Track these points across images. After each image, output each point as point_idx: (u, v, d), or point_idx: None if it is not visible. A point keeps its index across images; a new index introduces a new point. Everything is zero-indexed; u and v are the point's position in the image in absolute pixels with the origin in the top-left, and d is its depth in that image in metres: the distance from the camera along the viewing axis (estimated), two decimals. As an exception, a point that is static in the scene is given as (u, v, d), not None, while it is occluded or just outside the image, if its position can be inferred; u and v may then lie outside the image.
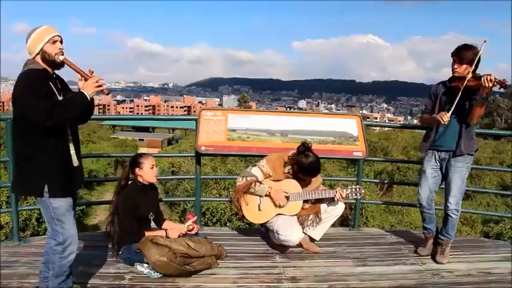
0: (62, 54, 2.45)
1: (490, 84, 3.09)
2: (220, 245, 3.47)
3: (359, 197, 3.64)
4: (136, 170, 3.21)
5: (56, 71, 2.51)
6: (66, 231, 2.48)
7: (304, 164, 3.43)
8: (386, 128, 27.00)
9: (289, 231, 3.43)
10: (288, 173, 3.59)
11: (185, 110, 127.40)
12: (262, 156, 3.76)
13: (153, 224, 3.43)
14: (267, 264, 3.42)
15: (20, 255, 3.41)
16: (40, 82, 2.36)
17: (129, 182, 3.28)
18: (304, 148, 3.44)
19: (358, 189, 3.59)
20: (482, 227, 12.58)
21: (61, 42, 2.46)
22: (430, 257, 3.64)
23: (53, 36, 2.43)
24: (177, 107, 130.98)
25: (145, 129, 49.47)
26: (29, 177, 2.43)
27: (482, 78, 3.10)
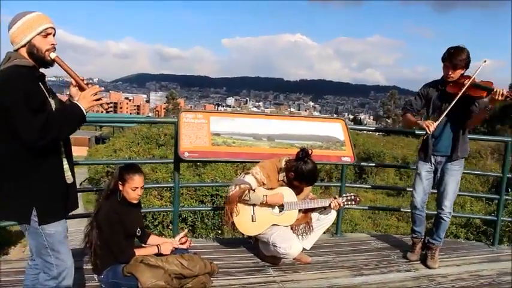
0: (54, 51, 2.03)
1: (501, 98, 3.09)
2: (211, 261, 3.18)
3: (354, 205, 3.53)
4: (119, 184, 2.81)
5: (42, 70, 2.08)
6: (61, 262, 2.07)
7: (303, 171, 3.24)
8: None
9: (289, 244, 3.22)
10: (282, 180, 3.39)
11: (111, 107, 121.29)
12: (251, 163, 3.53)
13: (136, 241, 3.06)
14: (264, 279, 3.19)
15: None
16: (32, 86, 1.93)
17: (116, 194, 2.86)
18: (304, 154, 3.26)
19: (353, 196, 3.47)
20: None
21: (53, 35, 2.03)
22: (419, 262, 3.64)
23: (47, 28, 1.99)
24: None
25: (70, 127, 46.46)
26: (11, 200, 1.98)
27: (496, 91, 3.08)
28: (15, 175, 1.95)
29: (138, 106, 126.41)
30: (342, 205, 3.43)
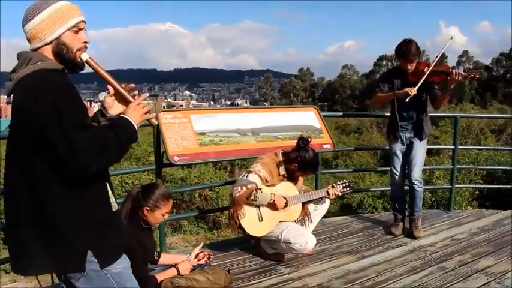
0: (85, 51, 1.62)
1: (460, 79, 3.35)
2: (228, 269, 2.97)
3: (349, 190, 3.58)
4: (146, 209, 2.44)
5: None
6: None
7: (307, 160, 3.20)
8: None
9: (304, 239, 3.16)
10: (283, 175, 3.30)
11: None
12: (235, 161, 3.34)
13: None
14: (281, 279, 3.09)
15: None
16: (73, 96, 1.52)
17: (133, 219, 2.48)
18: (305, 143, 3.20)
19: (348, 183, 3.53)
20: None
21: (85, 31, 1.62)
22: (403, 236, 3.88)
23: (79, 22, 1.57)
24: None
25: None
26: (54, 246, 1.51)
27: (453, 73, 3.35)
28: (54, 214, 1.50)
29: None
30: (340, 193, 3.46)
